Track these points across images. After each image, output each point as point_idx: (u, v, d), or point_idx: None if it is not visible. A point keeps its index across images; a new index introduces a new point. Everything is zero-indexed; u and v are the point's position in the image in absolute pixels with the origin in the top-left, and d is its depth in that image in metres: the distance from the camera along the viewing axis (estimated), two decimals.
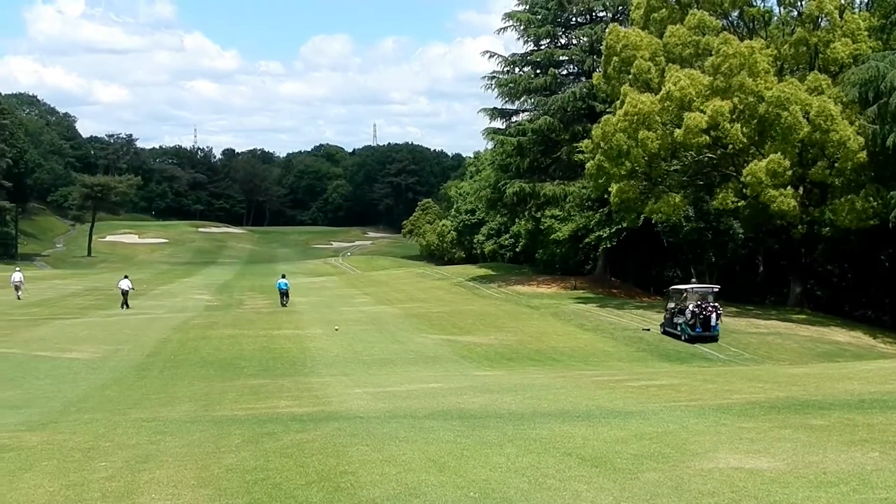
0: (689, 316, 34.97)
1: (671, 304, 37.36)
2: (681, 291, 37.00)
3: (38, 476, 10.46)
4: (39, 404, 19.80)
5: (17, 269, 68.50)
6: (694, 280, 39.77)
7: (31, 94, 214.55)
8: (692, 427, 12.66)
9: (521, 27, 61.97)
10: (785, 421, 12.96)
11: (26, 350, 31.17)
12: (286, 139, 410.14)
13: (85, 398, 20.95)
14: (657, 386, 19.65)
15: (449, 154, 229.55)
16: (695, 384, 19.88)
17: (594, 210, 55.96)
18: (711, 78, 39.83)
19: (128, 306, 51.35)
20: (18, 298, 57.62)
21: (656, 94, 40.70)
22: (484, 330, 37.76)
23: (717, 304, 35.76)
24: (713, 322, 34.77)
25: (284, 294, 52.18)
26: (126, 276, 55.28)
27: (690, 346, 33.55)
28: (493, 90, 62.90)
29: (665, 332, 36.74)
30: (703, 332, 34.62)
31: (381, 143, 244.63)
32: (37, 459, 11.43)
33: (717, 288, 37.34)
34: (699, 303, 35.28)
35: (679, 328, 35.65)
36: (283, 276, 55.19)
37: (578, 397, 17.25)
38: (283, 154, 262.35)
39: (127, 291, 52.04)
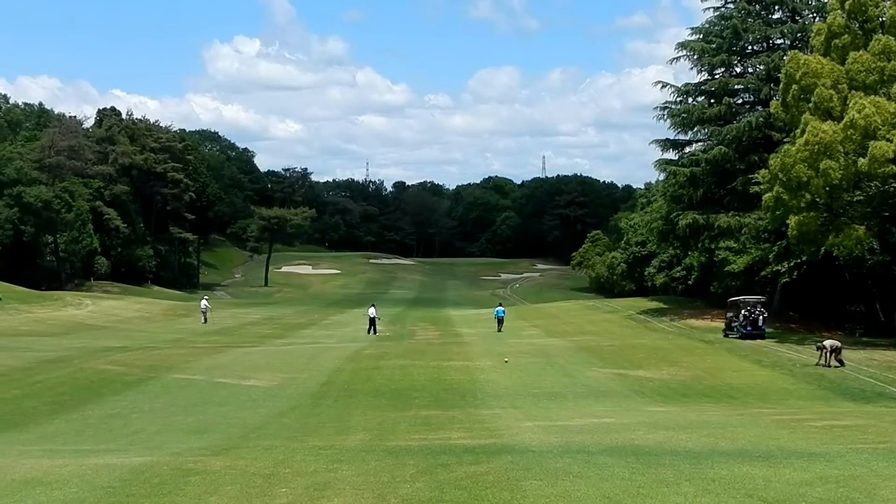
0: (741, 319, 46.26)
1: (730, 314, 48.75)
2: (737, 302, 48.02)
3: (222, 500, 10.80)
4: (221, 430, 20.51)
5: (205, 297, 72.96)
6: (882, 318, 38.66)
7: (212, 130, 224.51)
8: (881, 471, 12.10)
9: (695, 56, 61.16)
10: None
11: (208, 377, 32.40)
12: (455, 171, 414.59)
13: (264, 425, 21.59)
14: (841, 426, 18.86)
15: (618, 185, 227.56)
16: (883, 425, 19.01)
17: (771, 242, 54.34)
18: None
19: (375, 332, 54.05)
20: (204, 322, 61.71)
21: (838, 123, 39.28)
22: (656, 364, 37.09)
23: (763, 310, 46.75)
24: (760, 323, 45.92)
25: (501, 321, 56.17)
26: (373, 305, 58.81)
27: (878, 385, 31.91)
28: (666, 121, 62.30)
29: (725, 335, 47.27)
30: (752, 330, 45.46)
31: (549, 175, 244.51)
32: (221, 484, 11.79)
33: (763, 298, 48.84)
34: (750, 308, 46.27)
35: (735, 329, 46.61)
36: (500, 304, 59.33)
37: (758, 436, 16.71)
38: (452, 186, 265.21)
39: (374, 318, 54.90)
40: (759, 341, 44.59)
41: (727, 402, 28.11)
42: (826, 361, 35.11)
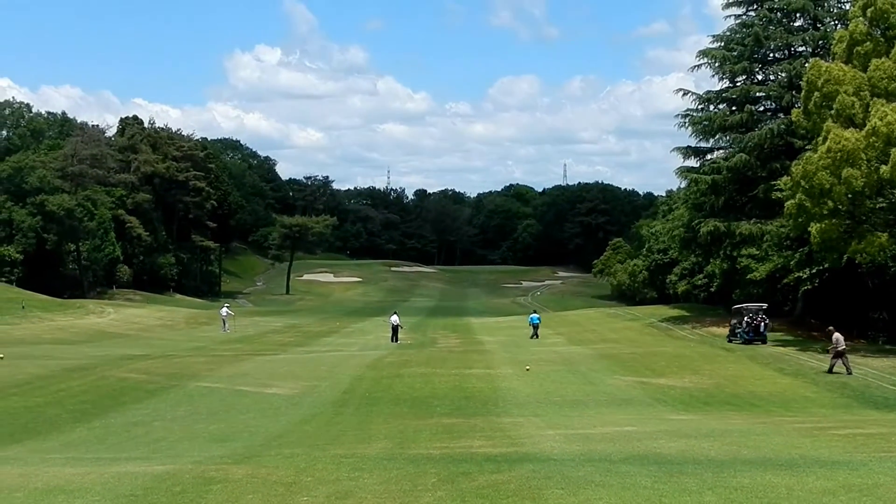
0: (744, 325, 47.90)
1: (734, 320, 50.11)
2: (740, 310, 49.65)
3: None
4: (243, 438, 20.55)
5: (226, 304, 73.35)
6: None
7: (233, 138, 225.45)
8: None
9: (716, 64, 61.03)
10: None
11: (230, 385, 32.47)
12: (476, 179, 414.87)
13: (285, 433, 21.61)
14: (865, 435, 18.73)
15: (640, 193, 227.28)
16: None
17: (793, 249, 54.03)
18: None
19: (397, 340, 53.94)
20: (225, 330, 61.86)
21: (860, 130, 39.06)
22: (678, 372, 36.90)
23: (765, 316, 48.26)
24: (762, 329, 47.48)
25: (536, 328, 57.35)
26: (395, 312, 58.67)
27: None
28: (687, 128, 62.17)
29: (730, 340, 48.87)
30: (754, 336, 47.12)
31: (570, 183, 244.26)
32: (242, 492, 11.81)
33: (765, 306, 50.34)
34: (752, 315, 47.96)
35: (738, 335, 48.14)
36: (535, 312, 60.36)
37: (780, 444, 16.61)
38: (473, 194, 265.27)
39: (397, 326, 54.86)
40: (780, 349, 44.44)
41: (749, 410, 27.94)
42: (836, 355, 35.08)
